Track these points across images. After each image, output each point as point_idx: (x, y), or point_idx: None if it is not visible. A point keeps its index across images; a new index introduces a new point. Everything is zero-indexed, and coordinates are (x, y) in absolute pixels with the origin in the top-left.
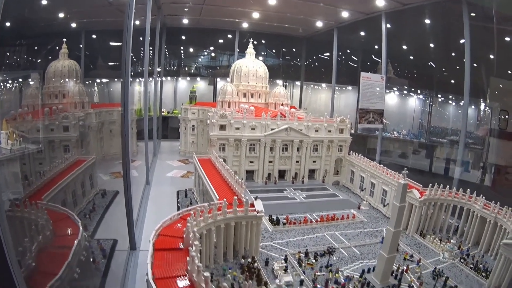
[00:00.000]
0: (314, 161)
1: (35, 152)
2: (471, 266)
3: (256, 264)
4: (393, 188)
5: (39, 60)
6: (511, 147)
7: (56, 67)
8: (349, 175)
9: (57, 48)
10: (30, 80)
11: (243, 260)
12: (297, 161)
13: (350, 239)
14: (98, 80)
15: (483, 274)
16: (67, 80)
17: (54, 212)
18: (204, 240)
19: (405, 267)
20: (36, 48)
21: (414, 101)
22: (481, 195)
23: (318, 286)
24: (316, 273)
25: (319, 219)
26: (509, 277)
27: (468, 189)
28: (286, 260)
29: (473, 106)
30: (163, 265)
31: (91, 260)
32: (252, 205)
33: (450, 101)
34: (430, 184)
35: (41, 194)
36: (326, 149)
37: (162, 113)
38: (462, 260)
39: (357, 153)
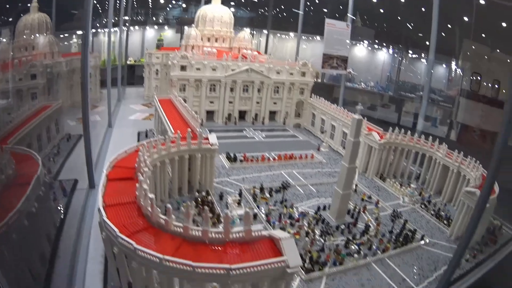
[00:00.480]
0: (275, 103)
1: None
2: (432, 213)
3: (210, 198)
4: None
5: (10, 18)
6: (481, 108)
7: (27, 21)
8: (310, 118)
9: (28, 4)
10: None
11: (197, 194)
12: (257, 102)
13: (307, 177)
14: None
15: (445, 222)
16: (37, 33)
17: (17, 154)
18: (158, 173)
19: (362, 207)
20: (7, 5)
21: (383, 55)
22: (444, 143)
23: (272, 219)
24: (270, 208)
25: (276, 158)
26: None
27: (430, 137)
28: (240, 194)
29: (444, 66)
30: (114, 194)
31: (52, 198)
32: (207, 138)
33: (421, 58)
34: (391, 128)
35: (7, 139)
36: (288, 92)
37: (130, 62)
38: (423, 206)
39: (318, 96)
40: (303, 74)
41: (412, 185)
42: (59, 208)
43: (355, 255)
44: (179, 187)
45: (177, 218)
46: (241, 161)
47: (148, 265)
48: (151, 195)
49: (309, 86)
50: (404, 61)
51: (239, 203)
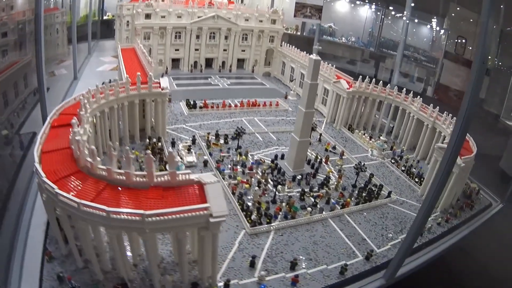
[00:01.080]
0: (243, 51)
1: None
2: (403, 169)
3: (160, 144)
4: (320, 78)
5: None
6: (465, 71)
7: None
8: (280, 67)
9: None
10: None
11: (147, 141)
12: (225, 50)
13: (269, 125)
14: None
15: (416, 180)
16: None
17: None
18: (108, 119)
19: (324, 158)
20: None
21: (366, 11)
22: (419, 96)
23: (222, 167)
24: (222, 155)
25: (238, 104)
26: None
27: (404, 89)
28: (194, 141)
29: (428, 26)
30: (54, 140)
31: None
32: (158, 82)
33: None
34: (361, 76)
35: None
36: (257, 39)
37: (108, 17)
38: (393, 161)
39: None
40: (274, 21)
41: (382, 138)
42: (16, 161)
43: (308, 208)
44: (131, 135)
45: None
46: (200, 107)
47: (69, 211)
48: (80, 138)
49: (279, 34)
50: (386, 18)
51: (189, 150)
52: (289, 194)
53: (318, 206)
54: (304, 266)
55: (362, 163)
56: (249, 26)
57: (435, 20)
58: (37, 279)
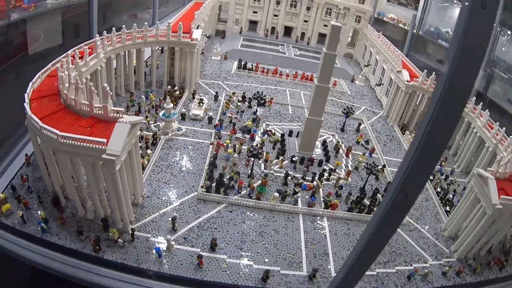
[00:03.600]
0: (325, 25)
1: None
2: (439, 190)
3: (177, 92)
4: (389, 66)
5: None
6: None
7: None
8: (362, 50)
9: None
10: None
11: (168, 87)
12: (305, 21)
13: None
14: None
15: (448, 209)
16: None
17: None
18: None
19: (346, 148)
20: None
21: None
22: (487, 110)
23: (219, 126)
24: (230, 115)
25: (291, 75)
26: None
27: (474, 98)
28: (216, 97)
29: None
30: (44, 87)
31: None
32: (188, 32)
33: None
34: (425, 71)
35: None
36: (341, 17)
37: None
38: (431, 178)
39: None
40: (363, 1)
41: None
42: None
43: (275, 194)
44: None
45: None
46: (249, 69)
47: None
48: (63, 73)
49: (366, 15)
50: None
51: (200, 103)
52: (274, 174)
53: (296, 195)
54: (225, 253)
55: (377, 165)
56: (333, 0)
57: None
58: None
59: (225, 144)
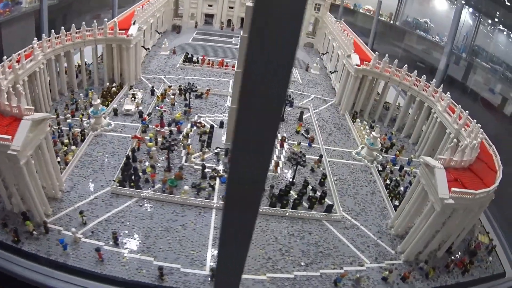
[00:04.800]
0: None
1: None
2: (388, 182)
3: (114, 89)
4: (344, 52)
5: None
6: None
7: None
8: (323, 39)
9: None
10: None
11: (107, 85)
12: None
13: None
14: None
15: (397, 203)
16: None
17: None
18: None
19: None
20: None
21: (464, 14)
22: (448, 93)
23: (147, 119)
24: (158, 109)
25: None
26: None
27: (434, 80)
28: (152, 92)
29: None
30: None
31: None
32: (125, 29)
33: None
34: (377, 53)
35: None
36: None
37: None
38: (380, 169)
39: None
40: None
41: (374, 133)
42: None
43: (186, 187)
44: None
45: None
46: (195, 63)
47: None
48: None
49: (326, 3)
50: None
51: (133, 97)
52: (195, 167)
53: (208, 188)
54: (127, 246)
55: (302, 154)
56: None
57: None
58: None
59: (144, 138)
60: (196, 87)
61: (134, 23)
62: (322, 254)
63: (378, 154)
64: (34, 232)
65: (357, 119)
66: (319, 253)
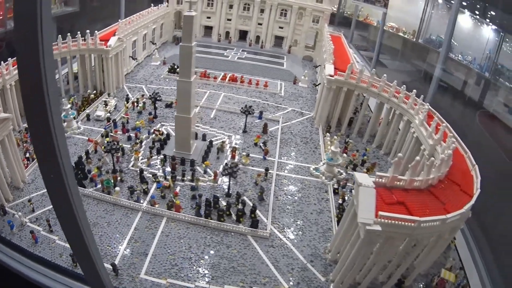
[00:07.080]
0: (281, 27)
1: None
2: (340, 202)
3: (92, 96)
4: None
5: None
6: None
7: None
8: (321, 51)
9: None
10: None
11: (88, 92)
12: (260, 24)
13: (228, 102)
14: None
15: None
16: None
17: None
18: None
19: (230, 150)
20: None
21: (488, 31)
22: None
23: (105, 126)
24: (126, 116)
25: (220, 78)
26: None
27: (414, 91)
28: (127, 100)
29: None
30: None
31: None
32: (105, 39)
33: None
34: (353, 62)
35: None
36: (297, 17)
37: None
38: (336, 187)
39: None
40: (321, 0)
41: (332, 148)
42: None
43: (117, 188)
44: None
45: None
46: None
47: None
48: None
49: (325, 15)
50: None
51: (105, 104)
52: (138, 169)
53: (135, 193)
54: (58, 235)
55: (238, 165)
56: (287, 0)
57: None
58: None
59: (98, 141)
60: (160, 96)
61: (114, 35)
62: (233, 270)
63: (341, 171)
64: None
65: (327, 133)
66: (230, 268)
